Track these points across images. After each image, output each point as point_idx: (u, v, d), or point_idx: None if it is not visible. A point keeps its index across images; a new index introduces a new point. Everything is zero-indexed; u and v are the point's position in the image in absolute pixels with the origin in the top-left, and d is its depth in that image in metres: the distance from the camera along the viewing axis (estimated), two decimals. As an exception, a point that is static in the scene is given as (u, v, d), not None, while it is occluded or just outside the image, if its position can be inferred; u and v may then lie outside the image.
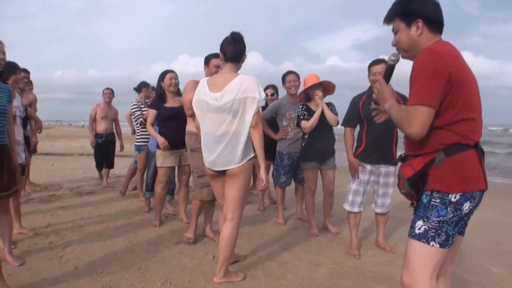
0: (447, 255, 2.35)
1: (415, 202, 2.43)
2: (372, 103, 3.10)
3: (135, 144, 7.29)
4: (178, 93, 5.53)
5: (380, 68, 4.53)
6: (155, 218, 5.63)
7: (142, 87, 7.50)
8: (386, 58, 2.60)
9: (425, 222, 2.26)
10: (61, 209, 6.30)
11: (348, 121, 4.81)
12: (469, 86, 2.26)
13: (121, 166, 10.07)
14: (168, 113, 5.37)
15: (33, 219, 5.61)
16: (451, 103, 2.21)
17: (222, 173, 3.70)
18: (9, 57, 3.99)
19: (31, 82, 7.74)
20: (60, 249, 4.46)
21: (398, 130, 4.68)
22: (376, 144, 4.61)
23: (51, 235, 4.92)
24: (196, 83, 4.49)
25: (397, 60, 2.54)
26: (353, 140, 4.82)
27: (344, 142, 4.84)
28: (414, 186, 2.35)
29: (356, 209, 4.77)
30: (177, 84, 5.50)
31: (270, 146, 6.25)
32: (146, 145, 6.92)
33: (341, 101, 5.71)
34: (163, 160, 5.40)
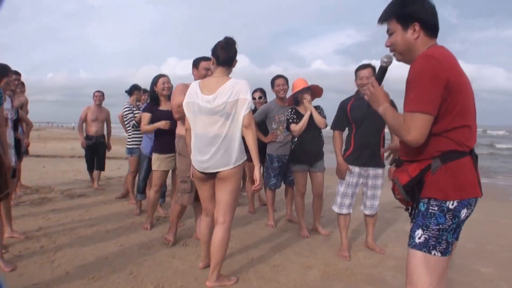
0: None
1: (410, 208, 2.44)
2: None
3: (127, 147, 7.29)
4: (171, 97, 5.55)
5: (366, 72, 4.61)
6: (147, 221, 5.64)
7: (133, 90, 7.50)
8: (379, 60, 2.54)
9: (425, 231, 2.23)
10: (52, 212, 6.28)
11: (337, 124, 4.87)
12: (466, 92, 2.24)
13: (112, 168, 10.07)
14: (163, 116, 5.37)
15: (24, 223, 5.58)
16: (448, 110, 2.18)
17: (212, 176, 3.70)
18: (1, 59, 3.98)
19: (23, 84, 7.72)
20: (52, 253, 4.44)
21: (385, 133, 4.73)
22: (364, 147, 4.67)
23: (42, 239, 4.91)
24: (185, 86, 4.51)
25: (390, 62, 2.49)
26: (341, 143, 4.88)
27: (333, 145, 4.89)
28: (410, 193, 2.33)
29: (344, 211, 4.82)
30: (170, 88, 5.51)
31: (260, 149, 6.27)
32: (138, 147, 6.91)
33: (326, 103, 5.76)
34: (159, 164, 5.39)
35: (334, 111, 4.96)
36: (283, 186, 6.30)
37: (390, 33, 2.40)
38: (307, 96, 5.36)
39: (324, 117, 5.44)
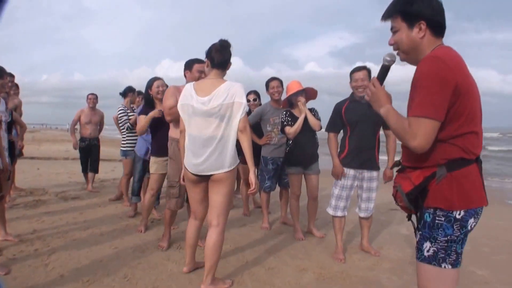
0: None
1: (412, 216, 2.37)
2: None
3: (121, 149, 7.28)
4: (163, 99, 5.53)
5: (361, 74, 4.63)
6: (141, 224, 5.62)
7: (127, 92, 7.50)
8: (382, 59, 2.40)
9: (433, 243, 2.15)
10: (46, 215, 6.25)
11: (332, 127, 4.88)
12: (473, 96, 2.13)
13: (106, 170, 10.04)
14: (158, 118, 5.36)
15: (18, 225, 5.56)
16: (455, 115, 2.08)
17: (205, 178, 3.69)
18: (-2, 61, 3.95)
19: (17, 86, 7.70)
20: (46, 257, 4.42)
21: (380, 135, 4.74)
22: (359, 149, 4.68)
23: (36, 242, 4.88)
24: (176, 88, 4.52)
25: (393, 61, 2.36)
26: (337, 145, 4.89)
27: (328, 147, 4.89)
28: (413, 201, 2.23)
29: (339, 213, 4.82)
30: (164, 91, 5.50)
31: (254, 151, 6.26)
32: (132, 150, 6.90)
33: (320, 105, 5.78)
34: (157, 167, 5.36)
35: (328, 113, 4.99)
36: (277, 188, 6.29)
37: (394, 31, 2.30)
38: (302, 99, 5.36)
39: (319, 119, 5.44)
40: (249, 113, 6.40)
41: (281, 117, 5.49)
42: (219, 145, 3.55)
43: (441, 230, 2.12)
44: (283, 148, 5.76)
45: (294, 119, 5.37)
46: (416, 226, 2.32)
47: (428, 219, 2.17)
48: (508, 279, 4.42)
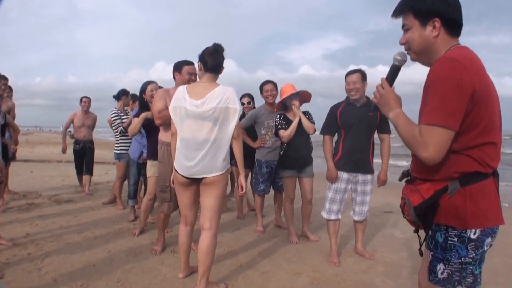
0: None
1: (418, 230, 2.20)
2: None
3: (115, 152, 7.27)
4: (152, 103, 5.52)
5: (354, 77, 4.65)
6: (137, 227, 5.61)
7: (121, 95, 7.48)
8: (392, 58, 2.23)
9: (447, 265, 1.98)
10: (40, 218, 6.23)
11: (327, 129, 4.88)
12: (493, 103, 1.95)
13: (99, 173, 10.01)
14: (153, 122, 5.34)
15: (12, 229, 5.53)
16: (472, 124, 1.89)
17: (196, 181, 3.68)
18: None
19: (10, 88, 7.67)
20: (39, 261, 4.39)
21: (374, 138, 4.75)
22: (353, 153, 4.68)
23: (30, 246, 4.86)
24: (166, 91, 4.52)
25: (404, 61, 2.18)
26: (332, 148, 4.89)
27: (323, 150, 4.90)
28: (422, 217, 2.05)
29: (333, 217, 4.82)
30: None
31: (248, 154, 6.27)
32: (126, 153, 6.89)
33: (313, 108, 5.77)
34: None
35: (322, 116, 5.01)
36: (272, 191, 6.28)
37: (405, 29, 2.11)
38: (296, 102, 5.36)
39: (313, 122, 5.45)
40: (243, 116, 6.41)
41: (275, 121, 5.49)
42: (212, 148, 3.55)
43: (454, 252, 1.95)
44: (277, 151, 5.75)
45: (288, 122, 5.37)
46: (422, 241, 2.19)
47: (440, 240, 2.00)
48: (505, 282, 4.43)
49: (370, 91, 4.98)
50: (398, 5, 2.14)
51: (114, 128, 7.20)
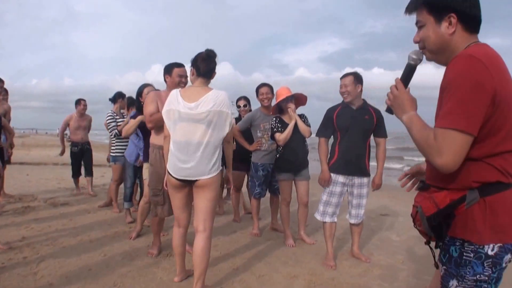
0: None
1: (429, 241, 2.03)
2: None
3: (111, 155, 7.25)
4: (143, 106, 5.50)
5: (346, 80, 4.68)
6: (134, 230, 5.61)
7: (117, 98, 7.47)
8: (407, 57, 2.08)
9: (460, 282, 1.81)
10: (36, 222, 6.21)
11: (322, 132, 4.88)
12: None
13: (95, 176, 9.95)
14: None
15: (7, 233, 5.52)
16: (493, 130, 1.73)
17: (189, 183, 3.69)
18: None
19: (6, 91, 7.67)
20: (35, 265, 4.38)
21: (370, 141, 4.75)
22: (349, 156, 4.68)
23: (26, 250, 4.84)
24: (157, 94, 4.52)
25: (419, 60, 2.03)
26: (327, 151, 4.89)
27: (318, 152, 4.90)
28: (435, 228, 1.88)
29: (327, 219, 4.82)
30: None
31: (245, 157, 6.25)
32: (121, 155, 6.88)
33: (309, 110, 5.77)
34: None
35: (318, 118, 5.01)
36: (268, 194, 6.27)
37: (419, 26, 1.96)
38: (292, 105, 5.37)
39: (309, 125, 5.46)
40: (239, 119, 6.41)
41: (271, 124, 5.50)
42: (205, 151, 3.58)
43: (469, 268, 1.78)
44: (273, 154, 5.75)
45: (284, 125, 5.37)
46: (435, 254, 2.04)
47: (455, 254, 1.83)
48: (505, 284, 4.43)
49: (367, 94, 4.99)
50: (412, 1, 2.00)
51: (109, 131, 7.20)
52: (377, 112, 4.76)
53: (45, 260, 4.54)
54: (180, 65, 4.57)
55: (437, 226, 1.86)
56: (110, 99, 7.55)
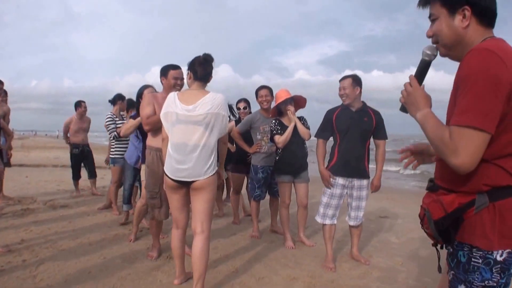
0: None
1: (437, 243, 1.95)
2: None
3: (110, 157, 7.25)
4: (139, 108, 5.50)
5: (344, 83, 4.69)
6: (132, 232, 5.59)
7: (117, 99, 7.46)
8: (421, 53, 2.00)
9: None
10: (35, 224, 6.19)
11: (321, 133, 4.89)
12: None
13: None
14: None
15: (6, 235, 5.51)
16: (507, 128, 1.65)
17: (186, 184, 3.70)
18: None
19: (5, 92, 7.66)
20: (34, 268, 4.37)
21: (369, 143, 4.75)
22: (348, 158, 4.68)
23: (25, 253, 4.83)
24: (153, 96, 4.53)
25: (434, 56, 1.95)
26: (324, 152, 4.90)
27: (316, 153, 4.90)
28: (443, 232, 1.83)
29: (327, 222, 4.82)
30: None
31: (244, 159, 6.26)
32: (120, 157, 6.88)
33: (309, 113, 5.76)
34: None
35: (318, 121, 5.00)
36: (267, 196, 6.26)
37: (432, 19, 1.89)
38: (291, 108, 5.38)
39: (308, 128, 5.47)
40: (239, 121, 6.41)
41: (271, 126, 5.50)
42: (202, 152, 3.61)
43: (477, 274, 1.72)
44: (273, 156, 5.74)
45: (284, 127, 5.38)
46: (439, 256, 2.02)
47: (463, 259, 1.77)
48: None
49: (367, 96, 4.99)
50: None
51: (108, 132, 7.19)
52: (377, 114, 4.76)
53: (45, 263, 4.53)
54: (176, 67, 4.57)
55: (444, 231, 1.82)
56: (109, 101, 7.55)
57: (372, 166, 4.74)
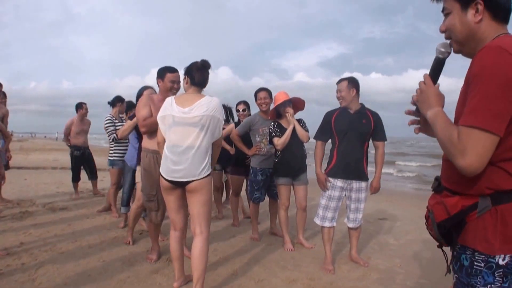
0: None
1: (441, 244, 1.93)
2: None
3: (109, 159, 7.25)
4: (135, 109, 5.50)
5: (340, 86, 4.76)
6: (128, 235, 5.58)
7: (116, 102, 7.46)
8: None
9: None
10: (34, 227, 6.19)
11: (320, 135, 4.91)
12: None
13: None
14: None
15: (5, 238, 5.50)
16: None
17: (181, 185, 3.73)
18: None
19: (4, 94, 7.66)
20: (33, 271, 4.37)
21: (368, 145, 4.76)
22: (347, 160, 4.70)
23: (24, 256, 4.83)
24: (150, 98, 4.53)
25: (448, 53, 1.88)
26: (322, 154, 4.91)
27: (314, 155, 4.93)
28: (445, 235, 1.83)
29: (327, 224, 4.83)
30: None
31: (242, 161, 6.26)
32: (119, 160, 6.88)
33: (309, 115, 5.77)
34: None
35: (317, 123, 4.99)
36: (267, 198, 6.27)
37: (445, 13, 1.84)
38: (290, 110, 5.39)
39: (307, 130, 5.49)
40: (238, 123, 6.41)
41: (269, 128, 5.51)
42: (197, 153, 3.65)
43: (480, 278, 1.69)
44: (272, 158, 5.75)
45: (282, 130, 5.39)
46: (447, 258, 1.98)
47: (466, 263, 1.75)
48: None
49: (365, 98, 5.01)
50: None
51: (107, 134, 7.18)
52: (375, 115, 4.78)
53: (44, 266, 4.52)
54: (173, 70, 4.57)
55: (447, 233, 1.81)
56: (109, 103, 7.54)
57: (370, 168, 4.75)
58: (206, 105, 3.68)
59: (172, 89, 4.51)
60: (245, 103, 6.84)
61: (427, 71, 1.95)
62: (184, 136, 3.65)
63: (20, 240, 5.44)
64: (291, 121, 5.36)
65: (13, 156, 7.99)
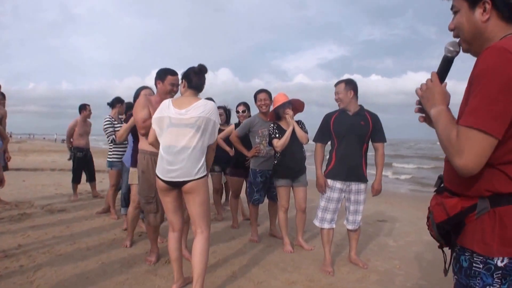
0: None
1: (442, 245, 1.93)
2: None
3: (108, 160, 7.25)
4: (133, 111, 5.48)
5: (338, 88, 4.79)
6: (127, 238, 5.55)
7: (115, 103, 7.45)
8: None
9: None
10: (32, 229, 6.17)
11: (319, 137, 4.91)
12: None
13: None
14: None
15: (3, 241, 5.48)
16: None
17: (177, 187, 3.74)
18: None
19: (3, 95, 7.64)
20: (31, 273, 4.35)
21: (367, 147, 4.75)
22: (346, 162, 4.69)
23: (22, 258, 4.81)
24: (147, 99, 4.52)
25: (456, 52, 1.87)
26: (323, 156, 4.91)
27: (314, 157, 4.92)
28: (444, 236, 1.84)
29: (326, 226, 4.82)
30: None
31: (242, 163, 6.25)
32: (118, 161, 6.87)
33: (309, 117, 5.78)
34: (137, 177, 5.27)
35: (317, 124, 4.99)
36: (266, 200, 6.25)
37: (454, 11, 1.82)
38: (289, 111, 5.39)
39: (306, 131, 5.48)
40: (238, 124, 6.40)
41: (269, 130, 5.51)
42: (192, 154, 3.67)
43: (478, 279, 1.68)
44: (271, 160, 5.74)
45: (282, 131, 5.38)
46: (446, 259, 1.98)
47: (465, 264, 1.74)
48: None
49: (364, 100, 5.00)
50: None
51: (107, 136, 7.17)
52: (374, 117, 4.77)
53: (42, 269, 4.50)
54: (174, 73, 4.56)
55: (446, 234, 1.82)
56: (108, 104, 7.53)
57: (370, 170, 4.74)
58: (203, 107, 3.72)
59: (171, 92, 4.51)
60: (245, 105, 6.82)
61: (427, 74, 1.93)
62: (180, 136, 3.67)
63: (18, 242, 5.42)
64: (290, 122, 5.35)
65: (11, 158, 7.96)
